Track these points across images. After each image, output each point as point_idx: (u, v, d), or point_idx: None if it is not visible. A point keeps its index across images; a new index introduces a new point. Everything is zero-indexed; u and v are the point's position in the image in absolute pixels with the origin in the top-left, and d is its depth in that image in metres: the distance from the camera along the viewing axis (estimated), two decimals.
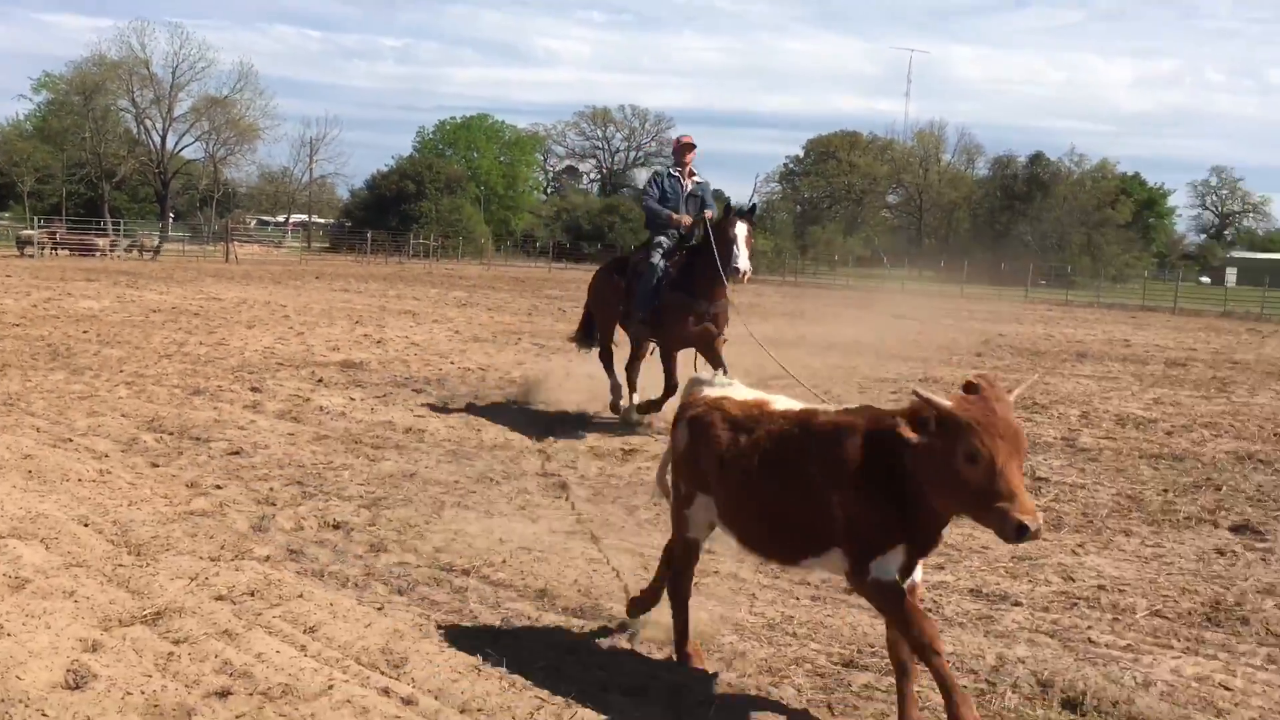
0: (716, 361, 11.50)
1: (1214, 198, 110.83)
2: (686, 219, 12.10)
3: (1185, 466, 10.86)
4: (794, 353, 20.18)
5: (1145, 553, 7.68)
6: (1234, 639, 5.93)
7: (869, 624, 5.97)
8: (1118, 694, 5.07)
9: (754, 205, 12.10)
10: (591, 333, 13.27)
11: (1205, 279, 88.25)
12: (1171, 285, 59.32)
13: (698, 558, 5.66)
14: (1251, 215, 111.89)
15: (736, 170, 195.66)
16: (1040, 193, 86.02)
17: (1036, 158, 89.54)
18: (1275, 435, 13.15)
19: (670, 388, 11.71)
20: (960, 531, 8.07)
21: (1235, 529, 8.42)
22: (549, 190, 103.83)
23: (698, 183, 12.38)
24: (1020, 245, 76.93)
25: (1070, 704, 4.99)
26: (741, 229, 11.45)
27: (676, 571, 5.54)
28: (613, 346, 12.77)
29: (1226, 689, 5.24)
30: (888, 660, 5.45)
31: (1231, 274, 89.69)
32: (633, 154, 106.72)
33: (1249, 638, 5.96)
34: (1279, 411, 15.51)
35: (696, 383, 5.63)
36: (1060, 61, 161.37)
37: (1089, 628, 6.07)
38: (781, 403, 5.20)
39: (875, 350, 21.57)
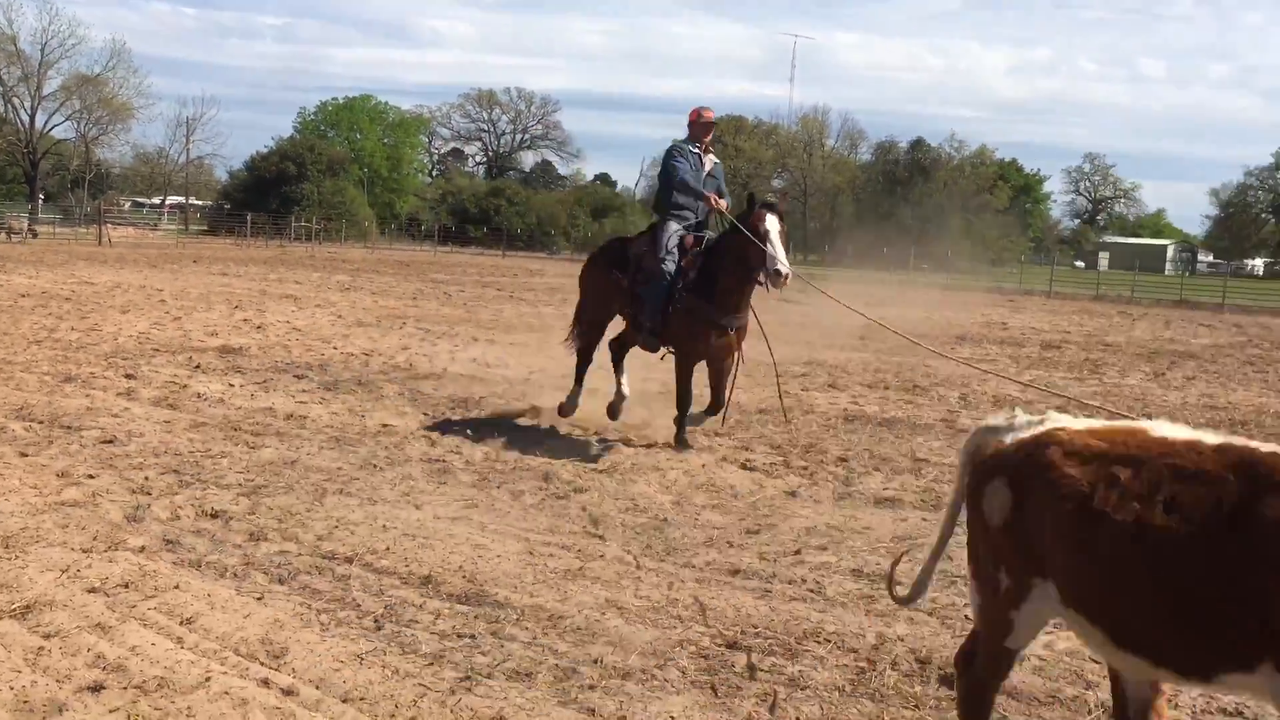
0: (719, 387, 10.50)
1: (1087, 184, 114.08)
2: (722, 202, 10.63)
3: None
4: None
5: None
6: None
7: (752, 606, 6.04)
8: None
9: (776, 199, 10.80)
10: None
11: (1079, 263, 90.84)
12: (1047, 269, 60.94)
13: (1008, 673, 4.21)
14: (1123, 201, 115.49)
15: (623, 153, 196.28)
16: (921, 178, 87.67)
17: (917, 143, 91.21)
18: (1145, 415, 13.57)
19: (685, 403, 10.45)
20: (842, 513, 8.22)
21: None
22: (434, 173, 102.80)
23: (715, 163, 10.91)
24: (902, 230, 78.23)
25: (947, 680, 5.09)
26: (773, 223, 9.95)
27: (977, 683, 4.10)
28: (594, 354, 11.37)
29: (1096, 662, 5.37)
30: (770, 641, 5.53)
31: (1104, 258, 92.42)
32: (519, 137, 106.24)
33: None
34: (1149, 392, 16.04)
35: (991, 432, 4.03)
36: (940, 48, 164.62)
37: (966, 605, 6.18)
38: (1167, 430, 3.67)
39: (757, 333, 21.69)
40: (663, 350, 10.86)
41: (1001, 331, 26.86)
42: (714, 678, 5.10)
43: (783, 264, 9.79)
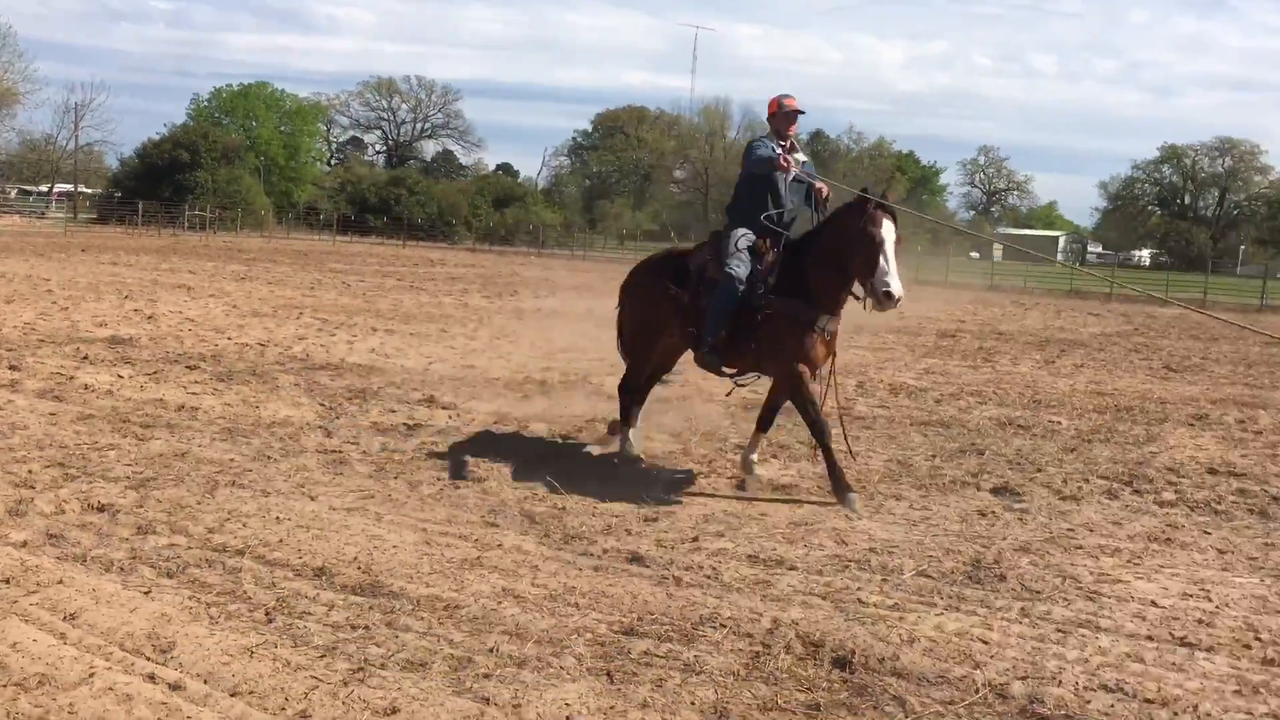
0: (806, 402, 8.49)
1: (982, 176, 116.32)
2: (798, 164, 8.86)
3: (952, 433, 11.36)
4: (581, 325, 20.29)
5: (914, 516, 8.00)
6: (992, 595, 6.24)
7: (649, 593, 6.05)
8: (884, 651, 5.27)
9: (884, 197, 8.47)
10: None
11: (974, 254, 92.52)
12: (943, 259, 61.97)
13: None
14: (1016, 193, 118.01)
15: (525, 143, 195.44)
16: (821, 170, 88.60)
17: (817, 135, 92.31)
18: (1034, 402, 13.87)
19: (822, 431, 8.43)
20: (741, 499, 8.28)
21: (995, 491, 8.86)
22: (333, 161, 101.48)
23: (802, 162, 9.08)
24: (802, 221, 78.96)
25: (840, 662, 5.16)
26: (890, 231, 8.12)
27: None
28: (644, 384, 9.86)
29: (984, 642, 5.51)
30: (667, 627, 5.55)
31: (998, 249, 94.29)
32: (419, 126, 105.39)
33: (1005, 593, 6.28)
34: (1039, 379, 16.38)
35: None
36: (838, 41, 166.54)
37: (859, 589, 6.28)
38: None
39: None
40: (730, 384, 9.47)
41: (898, 321, 27.18)
42: (610, 664, 5.10)
43: (894, 284, 7.99)
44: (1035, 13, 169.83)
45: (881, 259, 8.01)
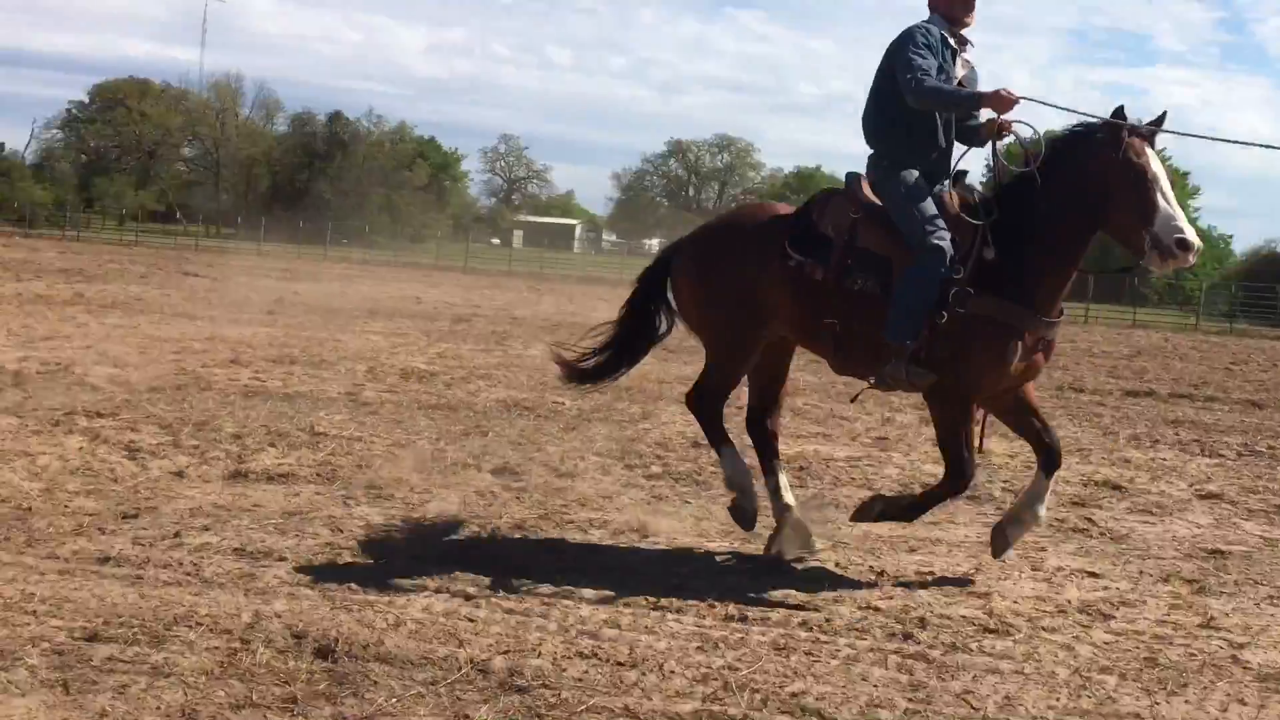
0: (1040, 428, 6.58)
1: (503, 164, 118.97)
2: (1013, 96, 6.06)
3: (459, 416, 11.47)
4: (70, 310, 18.80)
5: (413, 500, 7.96)
6: (481, 575, 6.30)
7: (119, 594, 5.64)
8: (369, 636, 5.19)
9: (1163, 114, 6.14)
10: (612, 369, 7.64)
11: (495, 240, 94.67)
12: (464, 245, 62.98)
13: None
14: (535, 182, 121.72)
15: (10, 114, 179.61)
16: (340, 152, 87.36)
17: (335, 117, 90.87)
18: (541, 384, 14.28)
19: (962, 474, 6.40)
20: (231, 491, 7.92)
21: (496, 471, 9.01)
22: None
23: (971, 67, 6.63)
24: (320, 204, 77.55)
25: (322, 652, 5.02)
26: (1157, 162, 5.98)
27: None
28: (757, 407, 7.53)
29: (471, 620, 5.56)
30: (136, 630, 5.18)
31: (518, 236, 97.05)
32: None
33: (497, 571, 6.36)
34: (547, 363, 16.90)
35: None
36: (357, 22, 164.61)
37: (355, 587, 6.15)
38: None
39: (159, 308, 20.75)
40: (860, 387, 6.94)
41: (416, 306, 27.33)
42: (68, 674, 4.69)
43: (1187, 228, 5.82)
44: (551, 6, 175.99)
45: (1159, 198, 5.87)
